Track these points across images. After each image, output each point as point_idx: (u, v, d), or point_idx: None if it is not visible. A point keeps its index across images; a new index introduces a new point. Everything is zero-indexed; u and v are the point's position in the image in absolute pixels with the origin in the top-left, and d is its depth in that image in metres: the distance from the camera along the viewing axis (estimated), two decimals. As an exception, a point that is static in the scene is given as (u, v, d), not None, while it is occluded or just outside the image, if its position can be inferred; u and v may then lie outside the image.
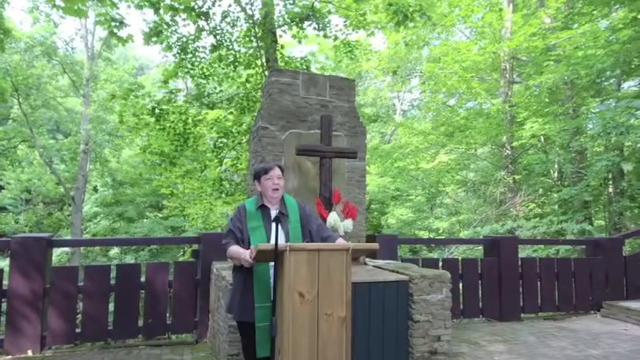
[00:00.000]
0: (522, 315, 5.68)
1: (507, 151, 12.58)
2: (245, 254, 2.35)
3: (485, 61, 13.01)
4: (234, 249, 2.45)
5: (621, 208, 9.34)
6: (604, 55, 10.44)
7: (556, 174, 11.75)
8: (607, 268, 6.14)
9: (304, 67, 10.74)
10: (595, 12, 13.44)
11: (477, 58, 12.83)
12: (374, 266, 4.19)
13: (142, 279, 4.45)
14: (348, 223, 4.11)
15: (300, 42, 10.82)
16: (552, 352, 4.26)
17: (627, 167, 9.17)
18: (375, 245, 2.77)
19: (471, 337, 4.67)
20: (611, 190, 9.97)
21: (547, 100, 11.86)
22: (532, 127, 10.94)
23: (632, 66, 11.98)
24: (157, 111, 9.89)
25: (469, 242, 9.40)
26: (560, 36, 11.11)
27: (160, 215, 18.42)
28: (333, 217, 4.02)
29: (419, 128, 15.62)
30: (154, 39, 8.66)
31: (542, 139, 11.99)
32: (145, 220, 18.44)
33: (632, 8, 11.88)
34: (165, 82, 10.21)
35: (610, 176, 9.69)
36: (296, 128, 4.53)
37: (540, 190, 11.87)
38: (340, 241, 2.62)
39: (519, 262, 5.78)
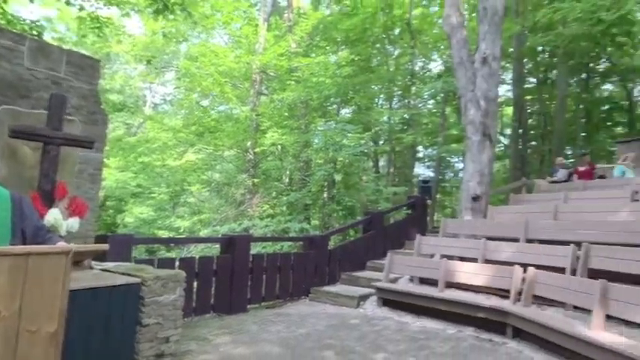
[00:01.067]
0: (248, 306, 6.27)
1: (250, 155, 13.72)
2: None
3: (240, 70, 13.84)
4: None
5: (331, 210, 11.57)
6: (330, 85, 12.78)
7: (287, 179, 13.53)
8: (317, 260, 7.49)
9: (34, 32, 8.90)
10: (328, 47, 16.34)
11: (233, 65, 13.53)
12: (102, 270, 3.87)
13: None
14: (73, 222, 3.68)
15: (32, 1, 9.00)
16: (270, 337, 4.90)
17: (338, 177, 11.52)
18: (103, 246, 2.60)
19: (201, 334, 4.87)
20: (325, 195, 12.20)
21: (287, 114, 13.58)
22: (272, 136, 12.32)
23: (349, 96, 15.13)
24: None
25: (207, 241, 9.78)
26: (301, 61, 12.96)
27: None
28: (53, 215, 3.52)
29: (169, 124, 15.27)
30: None
31: (279, 147, 13.62)
32: None
33: (352, 51, 15.08)
34: None
35: (326, 184, 11.85)
36: (13, 104, 3.84)
37: (274, 193, 13.42)
38: (61, 244, 2.33)
39: (251, 259, 6.39)
